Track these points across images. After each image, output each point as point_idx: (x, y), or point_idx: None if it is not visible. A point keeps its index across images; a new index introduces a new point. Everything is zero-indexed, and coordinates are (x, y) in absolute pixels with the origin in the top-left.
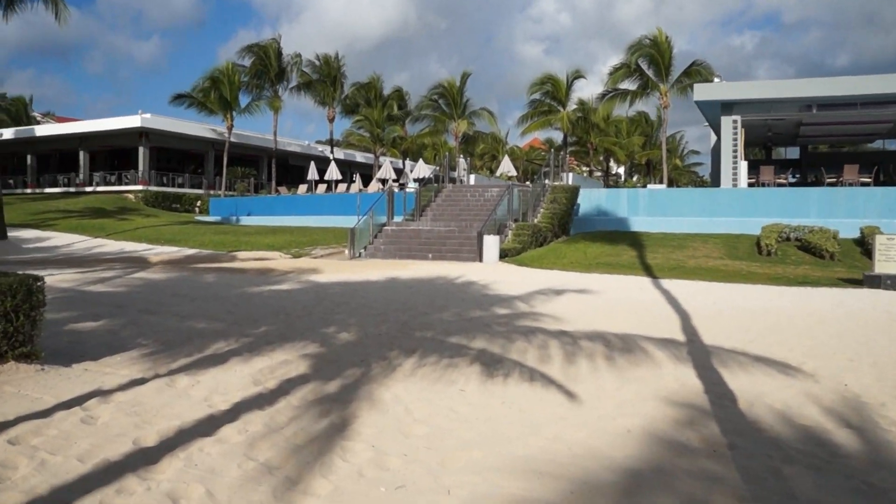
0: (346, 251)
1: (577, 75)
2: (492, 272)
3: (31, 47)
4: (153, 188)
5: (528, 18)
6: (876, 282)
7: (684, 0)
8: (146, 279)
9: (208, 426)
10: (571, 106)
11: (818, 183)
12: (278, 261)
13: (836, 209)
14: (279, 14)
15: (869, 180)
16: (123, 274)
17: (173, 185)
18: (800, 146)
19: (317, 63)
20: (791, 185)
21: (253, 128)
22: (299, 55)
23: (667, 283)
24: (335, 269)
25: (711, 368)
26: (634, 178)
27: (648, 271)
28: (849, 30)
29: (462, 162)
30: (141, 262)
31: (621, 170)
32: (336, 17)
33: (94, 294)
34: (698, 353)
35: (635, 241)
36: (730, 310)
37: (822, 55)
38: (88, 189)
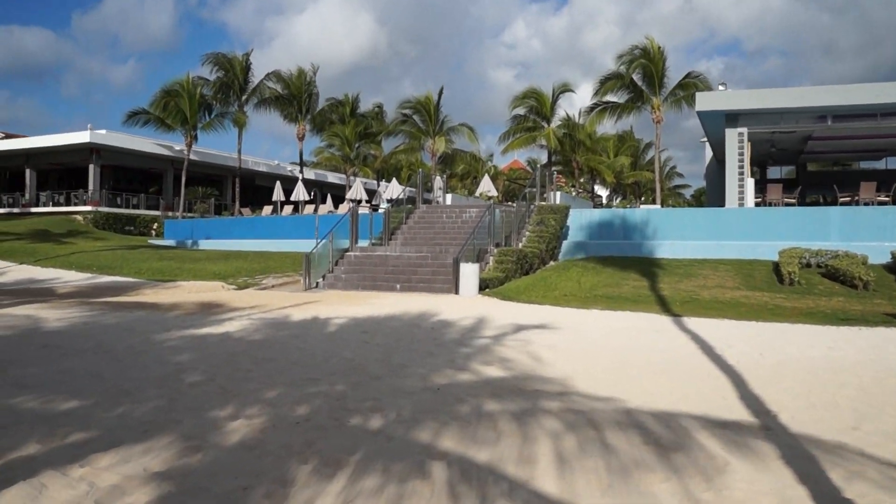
0: (302, 280)
1: (564, 89)
2: (470, 308)
3: (4, 70)
4: (104, 209)
5: (501, 44)
6: None
7: (650, 28)
8: (28, 319)
9: None
10: (556, 122)
11: (818, 204)
12: (218, 293)
13: (861, 231)
14: (252, 40)
15: (887, 199)
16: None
17: (127, 206)
18: (797, 165)
19: (287, 78)
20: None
21: (219, 146)
22: (273, 72)
23: (687, 323)
24: (280, 305)
25: None
26: (618, 201)
27: (660, 306)
28: (807, 58)
29: (438, 180)
30: (44, 295)
31: (604, 192)
32: (307, 43)
33: None
34: (802, 462)
35: (635, 268)
36: (786, 364)
37: (784, 81)
38: (35, 210)
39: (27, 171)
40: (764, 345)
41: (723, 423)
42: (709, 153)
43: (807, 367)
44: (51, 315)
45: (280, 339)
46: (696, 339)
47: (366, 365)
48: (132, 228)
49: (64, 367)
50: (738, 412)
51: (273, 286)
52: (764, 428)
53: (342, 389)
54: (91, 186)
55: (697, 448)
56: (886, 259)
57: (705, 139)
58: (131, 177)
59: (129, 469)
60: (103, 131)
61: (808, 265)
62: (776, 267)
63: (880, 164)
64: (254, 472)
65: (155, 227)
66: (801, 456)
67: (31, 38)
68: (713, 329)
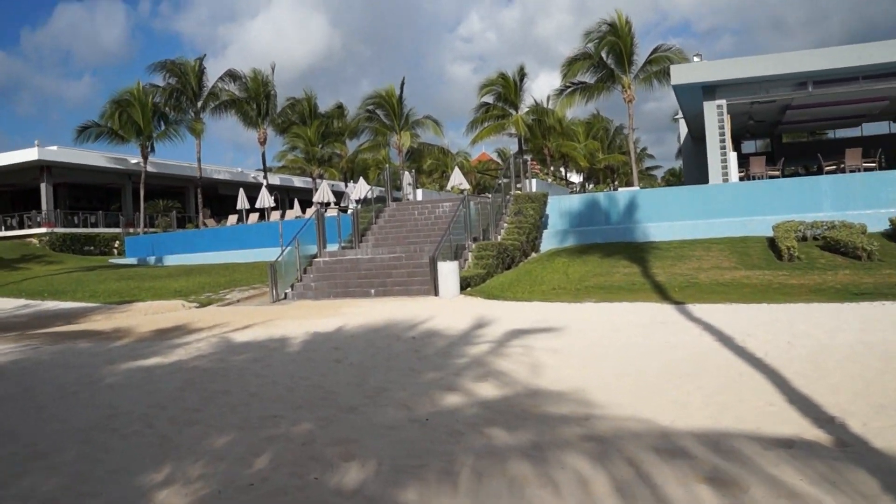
0: (269, 293)
1: (522, 74)
2: (453, 312)
3: None
4: (60, 230)
5: (457, 38)
6: None
7: (602, 13)
8: None
9: None
10: (524, 109)
11: (798, 175)
12: (177, 313)
13: (854, 200)
14: (206, 48)
15: (874, 165)
16: None
17: (86, 225)
18: (772, 137)
19: (244, 80)
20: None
21: (178, 157)
22: (228, 71)
23: (693, 311)
24: (243, 323)
25: None
26: (591, 186)
27: (658, 294)
28: (758, 34)
29: (407, 176)
30: None
31: (576, 178)
32: (261, 48)
33: None
34: None
35: (624, 253)
36: (822, 353)
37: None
38: None
39: None
40: (786, 331)
41: (785, 440)
42: (683, 130)
43: (847, 355)
44: None
45: (238, 364)
46: (710, 329)
47: (337, 392)
48: (92, 248)
49: None
50: (796, 423)
51: (238, 300)
52: (839, 444)
53: (309, 429)
54: (44, 207)
55: (770, 482)
56: (885, 226)
57: (679, 116)
58: (88, 194)
59: None
60: (53, 147)
61: (805, 238)
62: (772, 242)
63: (855, 132)
64: None
65: (116, 245)
66: None
67: None
68: (723, 316)
